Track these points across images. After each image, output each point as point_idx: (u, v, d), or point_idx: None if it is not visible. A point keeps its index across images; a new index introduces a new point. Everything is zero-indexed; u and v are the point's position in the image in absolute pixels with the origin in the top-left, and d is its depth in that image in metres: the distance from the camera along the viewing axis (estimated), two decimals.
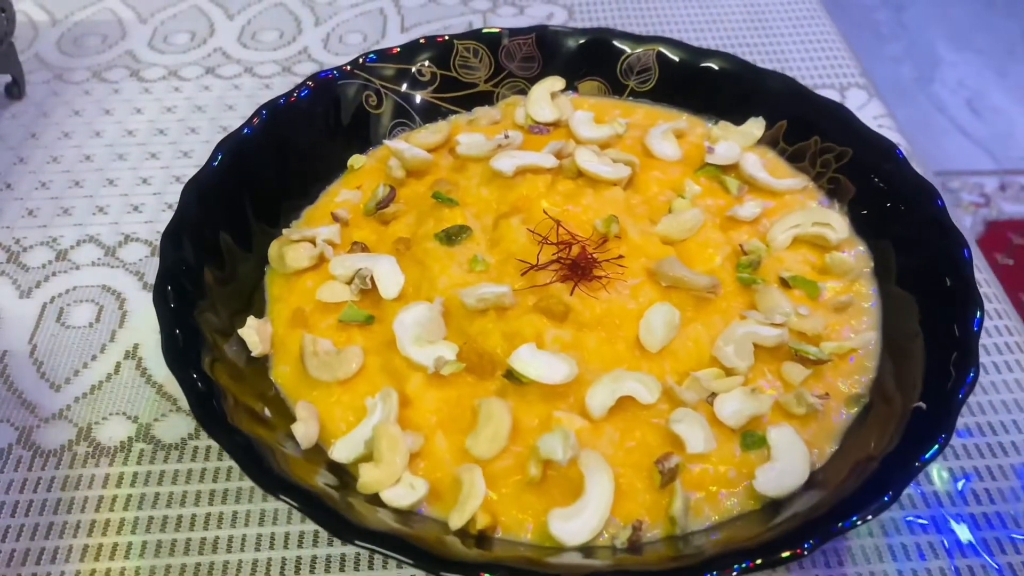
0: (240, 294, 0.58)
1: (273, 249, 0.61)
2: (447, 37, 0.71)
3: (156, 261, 0.70)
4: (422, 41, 0.71)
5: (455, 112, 0.72)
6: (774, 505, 0.48)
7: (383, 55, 0.70)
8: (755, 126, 0.68)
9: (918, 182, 0.59)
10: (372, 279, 0.58)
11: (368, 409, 0.52)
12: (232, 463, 0.57)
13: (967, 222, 2.23)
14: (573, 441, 0.48)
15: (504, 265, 0.58)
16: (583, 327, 0.55)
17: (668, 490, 0.48)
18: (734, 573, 0.40)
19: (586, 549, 0.46)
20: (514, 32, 0.72)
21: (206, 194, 0.58)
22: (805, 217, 0.61)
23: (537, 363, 0.51)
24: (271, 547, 0.54)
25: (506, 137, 0.67)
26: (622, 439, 0.51)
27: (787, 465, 0.49)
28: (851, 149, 0.64)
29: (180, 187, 0.76)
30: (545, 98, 0.71)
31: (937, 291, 0.53)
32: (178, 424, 0.60)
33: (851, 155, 0.64)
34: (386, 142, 0.68)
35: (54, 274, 0.70)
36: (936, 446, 0.43)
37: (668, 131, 0.68)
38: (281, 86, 0.89)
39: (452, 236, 0.60)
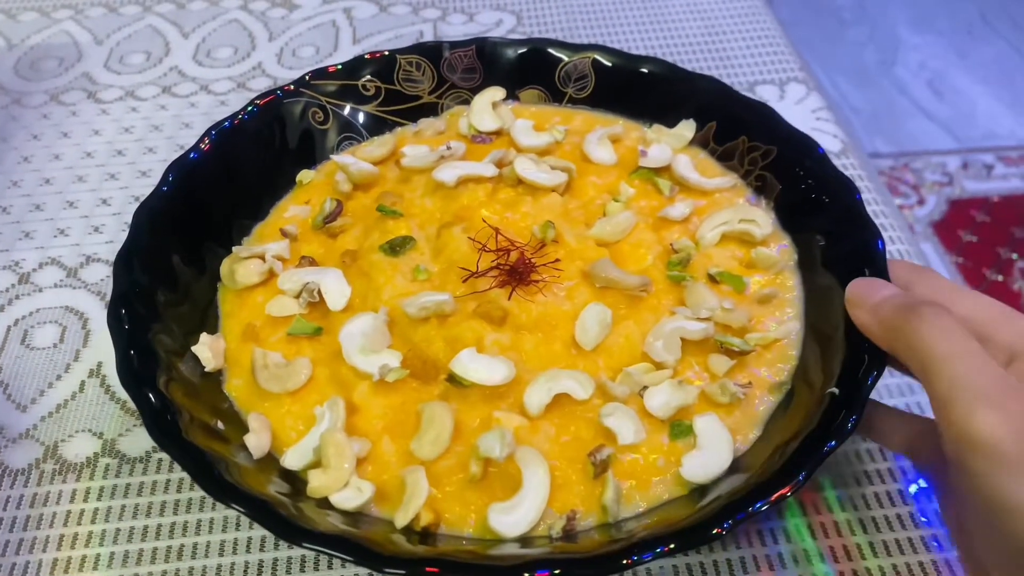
0: (193, 312, 0.60)
1: (224, 267, 0.63)
2: (389, 52, 0.73)
3: None
4: (366, 57, 0.72)
5: (401, 124, 0.74)
6: (701, 490, 0.51)
7: (327, 73, 0.71)
8: (686, 128, 0.71)
9: (837, 177, 0.62)
10: (320, 292, 0.60)
11: (317, 418, 0.54)
12: None
13: (931, 201, 2.28)
14: (509, 439, 0.50)
15: (447, 273, 0.60)
16: (520, 329, 0.57)
17: (601, 480, 0.51)
18: (652, 555, 0.42)
19: (524, 539, 0.49)
20: (455, 44, 0.74)
21: (156, 218, 0.60)
22: (732, 215, 0.64)
23: (477, 366, 0.54)
24: (234, 552, 0.56)
25: (448, 148, 0.69)
26: (558, 434, 0.53)
27: (712, 452, 0.52)
28: (776, 147, 0.66)
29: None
30: (487, 108, 0.73)
31: (846, 276, 0.55)
32: (142, 438, 0.62)
33: (776, 153, 0.66)
34: (333, 157, 0.70)
35: (17, 297, 0.72)
36: (848, 428, 0.46)
37: (604, 136, 0.71)
38: (237, 102, 0.90)
39: (396, 247, 0.62)
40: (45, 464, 0.61)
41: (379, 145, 0.71)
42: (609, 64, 0.73)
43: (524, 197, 0.65)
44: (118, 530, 0.58)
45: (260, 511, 0.45)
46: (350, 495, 0.50)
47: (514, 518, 0.49)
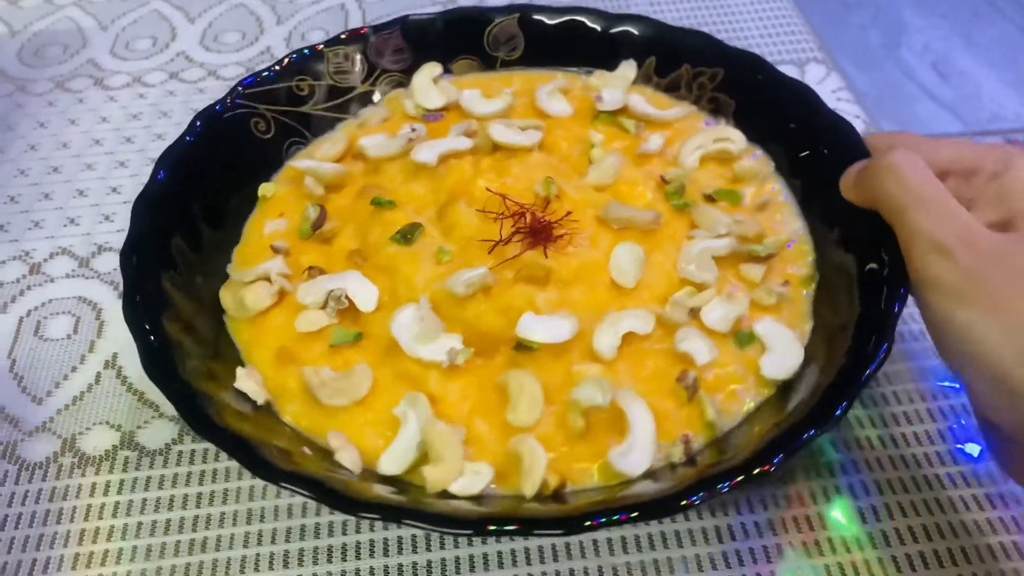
0: (204, 350, 0.56)
1: (226, 298, 0.59)
2: (315, 48, 0.70)
3: None
4: (293, 57, 0.69)
5: (341, 119, 0.72)
6: (784, 388, 0.54)
7: (259, 79, 0.68)
8: (628, 68, 0.72)
9: (788, 83, 0.66)
10: (347, 297, 0.58)
11: (400, 419, 0.52)
12: (220, 464, 0.59)
13: None
14: (607, 384, 0.51)
15: (467, 250, 0.60)
16: (565, 284, 0.58)
17: (696, 402, 0.53)
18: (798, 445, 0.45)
19: (651, 474, 0.50)
20: (378, 28, 0.72)
21: (141, 267, 0.55)
22: (706, 137, 0.67)
23: (541, 328, 0.54)
24: (259, 543, 0.55)
25: (413, 130, 0.67)
26: (638, 372, 0.55)
27: (782, 349, 0.55)
28: (722, 68, 0.69)
29: None
30: (429, 85, 0.72)
31: (830, 169, 0.59)
32: (161, 430, 0.61)
33: (723, 73, 0.69)
34: (291, 163, 0.67)
35: (29, 288, 0.71)
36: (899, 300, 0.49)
37: (554, 90, 0.71)
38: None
39: (408, 236, 0.60)
40: (63, 457, 0.60)
41: (332, 143, 0.68)
42: (537, 20, 0.73)
43: (507, 161, 0.65)
44: (140, 524, 0.56)
45: (420, 514, 0.44)
46: (471, 480, 0.49)
47: (635, 456, 0.50)
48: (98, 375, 0.65)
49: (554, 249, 0.59)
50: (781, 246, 0.60)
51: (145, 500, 0.58)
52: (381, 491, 0.48)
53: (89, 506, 0.57)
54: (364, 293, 0.58)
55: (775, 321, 0.57)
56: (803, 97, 0.65)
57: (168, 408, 0.62)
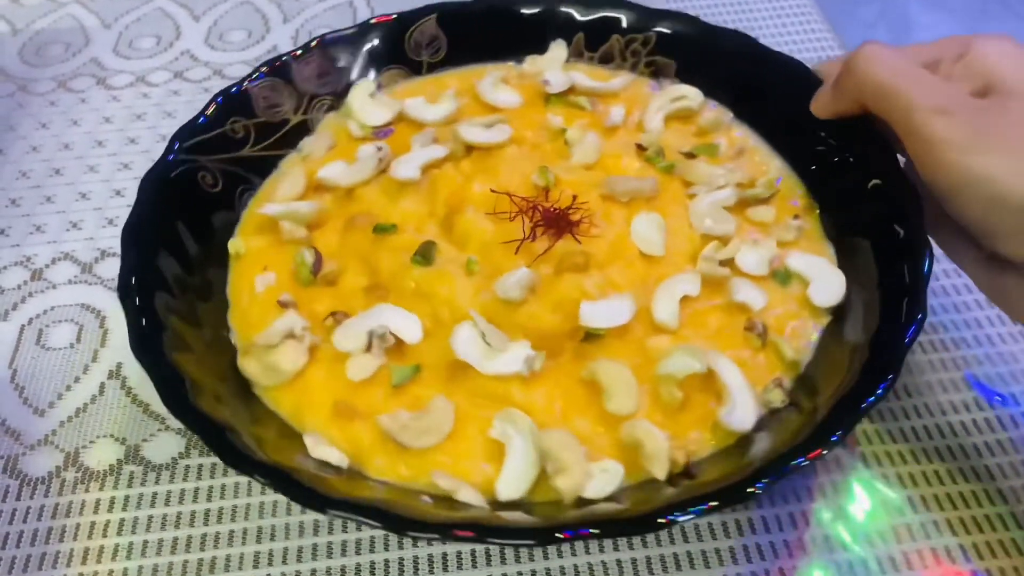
0: (249, 417, 0.52)
1: (251, 367, 0.54)
2: (240, 87, 0.65)
3: None
4: (219, 99, 0.64)
5: (282, 155, 0.67)
6: (836, 314, 0.56)
7: (194, 130, 0.62)
8: (558, 49, 0.72)
9: (722, 33, 0.68)
10: (392, 333, 0.54)
11: (501, 440, 0.49)
12: (229, 480, 0.57)
13: None
14: (698, 349, 0.52)
15: (491, 255, 0.58)
16: (602, 266, 0.57)
17: (770, 345, 0.54)
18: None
19: (761, 423, 0.50)
20: (298, 54, 0.68)
21: (145, 343, 0.50)
22: (664, 98, 0.68)
23: (603, 313, 0.54)
24: (269, 563, 0.53)
25: (379, 149, 0.64)
26: (704, 332, 0.55)
27: (823, 277, 0.57)
28: (653, 33, 0.70)
29: None
30: (367, 103, 0.69)
31: (783, 102, 0.63)
32: (167, 443, 0.59)
33: (656, 37, 0.70)
34: (260, 211, 0.62)
35: (31, 294, 0.69)
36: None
37: (496, 82, 0.70)
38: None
39: (426, 255, 0.57)
40: (66, 472, 0.58)
41: (290, 182, 0.64)
42: (455, 18, 0.72)
43: (489, 160, 0.64)
44: (146, 542, 0.54)
45: (610, 523, 0.43)
46: (603, 480, 0.48)
47: (742, 411, 0.50)
48: (102, 385, 0.63)
49: (579, 234, 0.59)
50: (773, 184, 0.63)
51: (151, 517, 0.56)
52: (520, 517, 0.46)
53: (93, 523, 0.55)
54: (407, 324, 0.54)
55: (803, 253, 0.59)
56: (743, 43, 0.67)
57: (174, 421, 0.60)
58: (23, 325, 0.67)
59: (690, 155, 0.65)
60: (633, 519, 0.43)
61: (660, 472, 0.48)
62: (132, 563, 0.53)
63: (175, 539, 0.54)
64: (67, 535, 0.55)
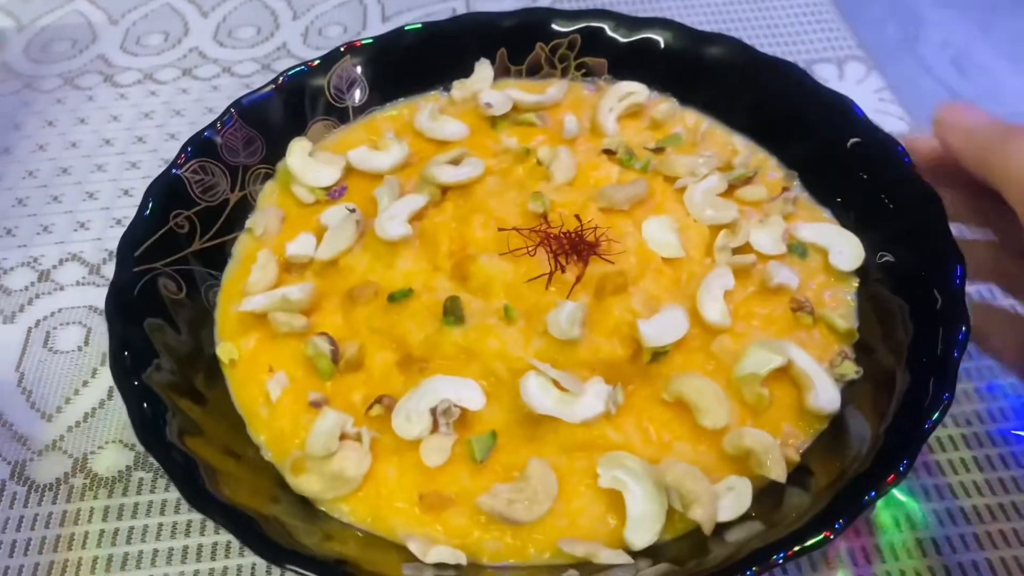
0: (322, 535, 0.47)
1: (311, 484, 0.49)
2: (172, 175, 0.59)
3: None
4: (152, 199, 0.58)
5: (233, 239, 0.61)
6: (863, 275, 0.57)
7: (140, 236, 0.56)
8: (483, 68, 0.71)
9: (645, 23, 0.68)
10: (455, 406, 0.50)
11: (614, 486, 0.47)
12: None
13: None
14: (774, 343, 0.52)
15: (521, 296, 0.54)
16: (636, 279, 0.56)
17: (819, 319, 0.55)
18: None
19: (846, 400, 0.51)
20: (220, 128, 0.62)
21: (194, 493, 0.45)
22: (610, 98, 0.67)
23: (662, 329, 0.53)
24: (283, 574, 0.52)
25: (352, 211, 0.60)
26: (754, 322, 0.55)
27: (838, 242, 0.58)
28: (577, 35, 0.70)
29: None
30: (309, 163, 0.64)
31: (722, 80, 0.66)
32: None
33: (580, 39, 0.70)
34: (241, 308, 0.56)
35: (38, 296, 0.68)
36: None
37: (433, 113, 0.67)
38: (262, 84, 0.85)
39: (456, 314, 0.53)
40: (74, 478, 0.57)
41: (260, 270, 0.58)
42: (372, 57, 0.69)
43: (472, 199, 0.61)
44: (155, 551, 0.53)
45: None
46: (734, 499, 0.47)
47: (826, 392, 0.50)
48: (110, 390, 0.62)
49: (604, 253, 0.56)
50: (748, 161, 0.63)
51: (161, 525, 0.55)
52: (666, 569, 0.44)
53: (102, 531, 0.54)
54: (467, 391, 0.50)
55: (807, 223, 0.60)
56: (665, 27, 0.68)
57: None
58: (30, 327, 0.66)
59: (659, 150, 0.65)
60: (804, 534, 0.41)
61: (780, 474, 0.47)
62: (142, 573, 0.52)
63: (185, 548, 0.53)
64: (75, 543, 0.54)
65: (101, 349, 0.64)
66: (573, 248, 0.56)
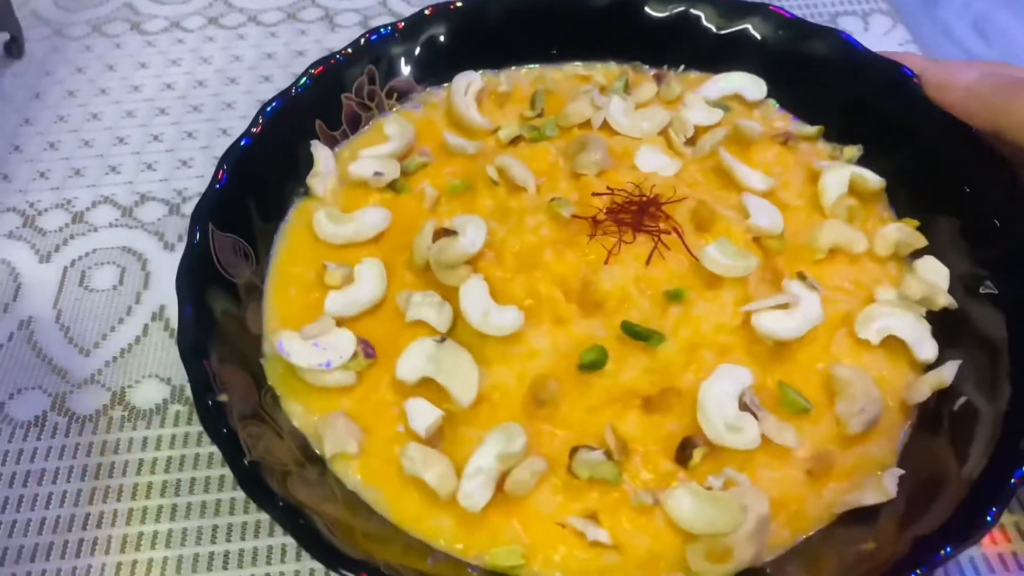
0: None
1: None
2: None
3: (175, 220, 0.69)
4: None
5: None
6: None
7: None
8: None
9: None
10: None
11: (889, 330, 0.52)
12: None
13: None
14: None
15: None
16: (708, 230, 0.56)
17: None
18: None
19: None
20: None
21: None
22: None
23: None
24: None
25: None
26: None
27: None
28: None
29: (193, 143, 0.75)
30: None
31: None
32: None
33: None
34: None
35: (72, 237, 0.69)
36: None
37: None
38: (287, 34, 0.86)
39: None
40: (113, 411, 0.59)
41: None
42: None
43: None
44: (193, 479, 0.55)
45: None
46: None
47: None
48: (145, 327, 0.63)
49: (671, 211, 0.56)
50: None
51: (198, 455, 0.56)
52: None
53: (141, 460, 0.56)
54: None
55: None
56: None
57: None
58: (66, 267, 0.67)
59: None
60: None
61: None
62: (181, 499, 0.54)
63: (221, 477, 0.55)
64: (116, 471, 0.56)
65: (136, 289, 0.65)
66: (639, 213, 0.55)
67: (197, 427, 0.57)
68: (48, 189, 0.73)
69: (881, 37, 0.84)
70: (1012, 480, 0.43)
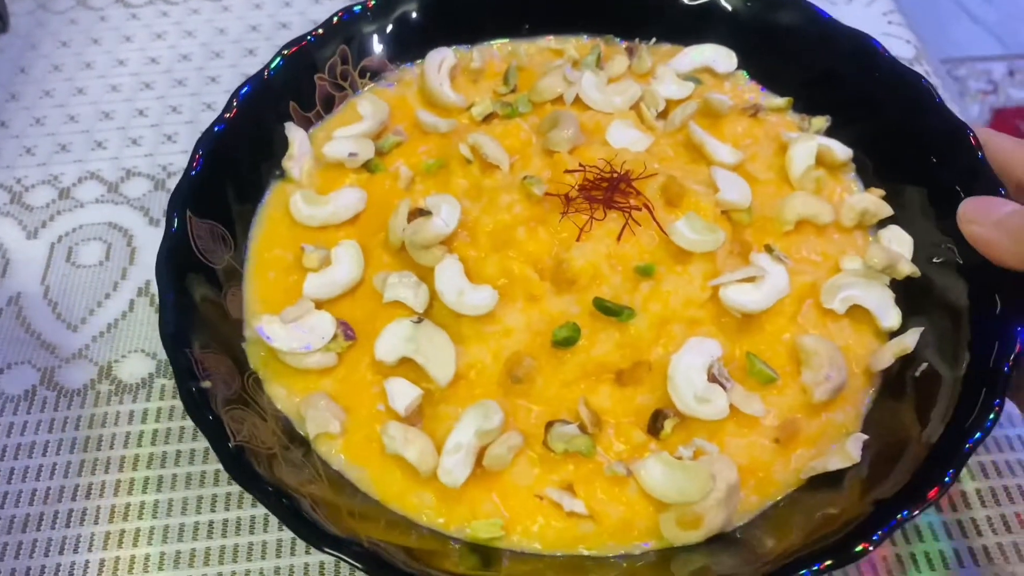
0: None
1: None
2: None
3: (160, 196, 0.70)
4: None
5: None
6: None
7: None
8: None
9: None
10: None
11: (852, 300, 0.54)
12: None
13: (975, 111, 2.19)
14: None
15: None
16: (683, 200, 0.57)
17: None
18: None
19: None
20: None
21: None
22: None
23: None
24: None
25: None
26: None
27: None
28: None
29: (178, 118, 0.76)
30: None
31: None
32: None
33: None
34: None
35: (59, 213, 0.70)
36: None
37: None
38: (271, 6, 0.86)
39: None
40: (100, 384, 0.60)
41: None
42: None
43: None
44: (179, 452, 0.57)
45: None
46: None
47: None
48: (131, 302, 0.64)
49: (646, 182, 0.57)
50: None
51: (183, 428, 0.58)
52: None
53: (128, 433, 0.58)
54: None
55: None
56: None
57: None
58: (53, 243, 0.68)
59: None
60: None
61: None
62: (167, 471, 0.56)
63: (206, 449, 0.57)
64: (104, 444, 0.57)
65: (122, 264, 0.67)
66: (609, 188, 0.55)
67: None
68: (35, 165, 0.73)
69: (864, 7, 0.83)
70: (968, 443, 0.44)
